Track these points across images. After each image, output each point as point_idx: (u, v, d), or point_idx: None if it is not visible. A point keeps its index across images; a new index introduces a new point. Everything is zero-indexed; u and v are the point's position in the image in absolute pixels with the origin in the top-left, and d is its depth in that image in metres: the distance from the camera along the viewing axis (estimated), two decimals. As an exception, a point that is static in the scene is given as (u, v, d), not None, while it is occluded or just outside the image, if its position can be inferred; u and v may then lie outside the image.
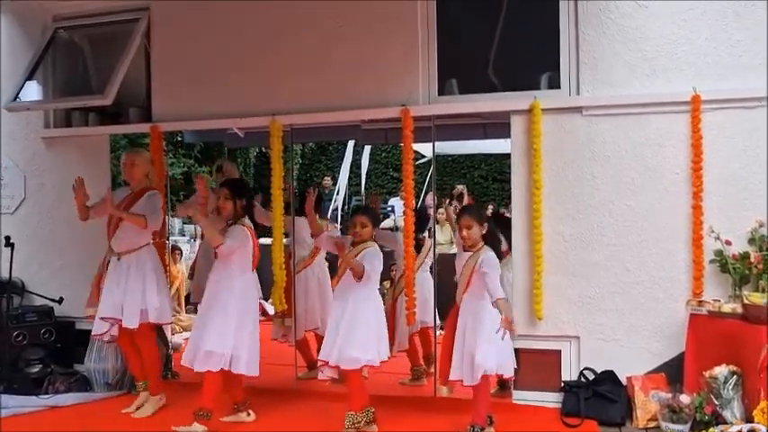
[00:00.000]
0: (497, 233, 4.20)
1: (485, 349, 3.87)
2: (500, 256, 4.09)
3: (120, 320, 4.56)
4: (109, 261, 4.73)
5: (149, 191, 4.75)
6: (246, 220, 4.43)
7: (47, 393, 5.04)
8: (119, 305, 4.56)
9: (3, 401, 4.76)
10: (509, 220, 4.81)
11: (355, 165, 10.65)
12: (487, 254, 3.97)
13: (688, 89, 4.35)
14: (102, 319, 4.60)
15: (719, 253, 4.27)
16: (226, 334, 4.21)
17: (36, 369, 5.25)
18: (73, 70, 5.89)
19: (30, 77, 5.67)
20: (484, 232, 4.02)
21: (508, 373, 4.14)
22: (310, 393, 5.04)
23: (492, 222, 4.15)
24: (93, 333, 4.72)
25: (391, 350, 4.66)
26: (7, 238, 5.20)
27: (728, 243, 4.23)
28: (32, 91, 5.74)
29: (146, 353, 4.73)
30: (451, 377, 4.05)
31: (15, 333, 5.34)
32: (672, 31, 4.44)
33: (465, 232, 4.00)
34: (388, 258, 5.83)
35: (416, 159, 5.22)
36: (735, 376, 3.87)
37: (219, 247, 4.24)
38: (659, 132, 4.46)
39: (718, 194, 4.35)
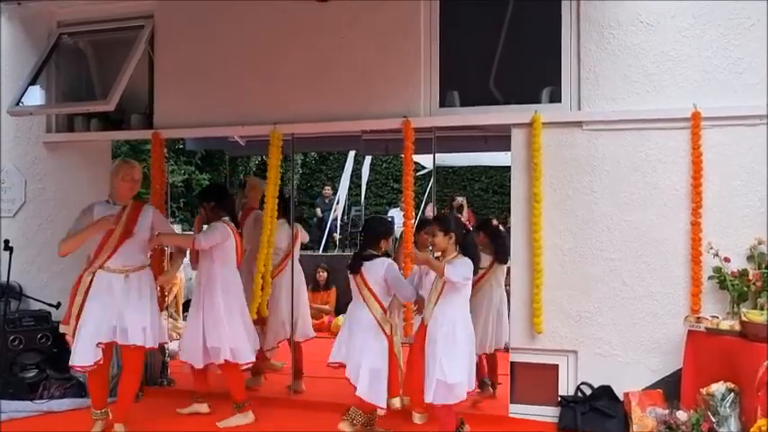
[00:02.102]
0: (474, 243, 4.09)
1: (455, 366, 3.78)
2: (476, 265, 3.98)
3: (114, 342, 4.24)
4: (92, 280, 4.26)
5: (146, 204, 4.56)
6: (227, 219, 4.63)
7: (42, 398, 5.03)
8: (118, 327, 4.21)
9: (-2, 406, 4.74)
10: (498, 228, 4.77)
11: (356, 175, 10.66)
12: (454, 261, 3.87)
13: (688, 106, 4.37)
14: (98, 345, 4.15)
15: (718, 270, 4.27)
16: (219, 328, 4.50)
17: (32, 374, 5.23)
18: (76, 76, 5.92)
19: (33, 82, 5.70)
20: (452, 241, 3.93)
21: (470, 387, 3.94)
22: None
23: (462, 232, 3.99)
24: (82, 363, 4.15)
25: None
26: (6, 241, 5.19)
27: (727, 260, 4.23)
28: (35, 95, 5.77)
29: (134, 374, 4.38)
30: (428, 399, 3.81)
31: (12, 337, 5.31)
32: (673, 48, 4.46)
33: (430, 239, 4.14)
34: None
35: (417, 171, 5.23)
36: (732, 394, 3.85)
37: (195, 244, 4.47)
38: (659, 148, 4.47)
39: (718, 211, 4.35)
